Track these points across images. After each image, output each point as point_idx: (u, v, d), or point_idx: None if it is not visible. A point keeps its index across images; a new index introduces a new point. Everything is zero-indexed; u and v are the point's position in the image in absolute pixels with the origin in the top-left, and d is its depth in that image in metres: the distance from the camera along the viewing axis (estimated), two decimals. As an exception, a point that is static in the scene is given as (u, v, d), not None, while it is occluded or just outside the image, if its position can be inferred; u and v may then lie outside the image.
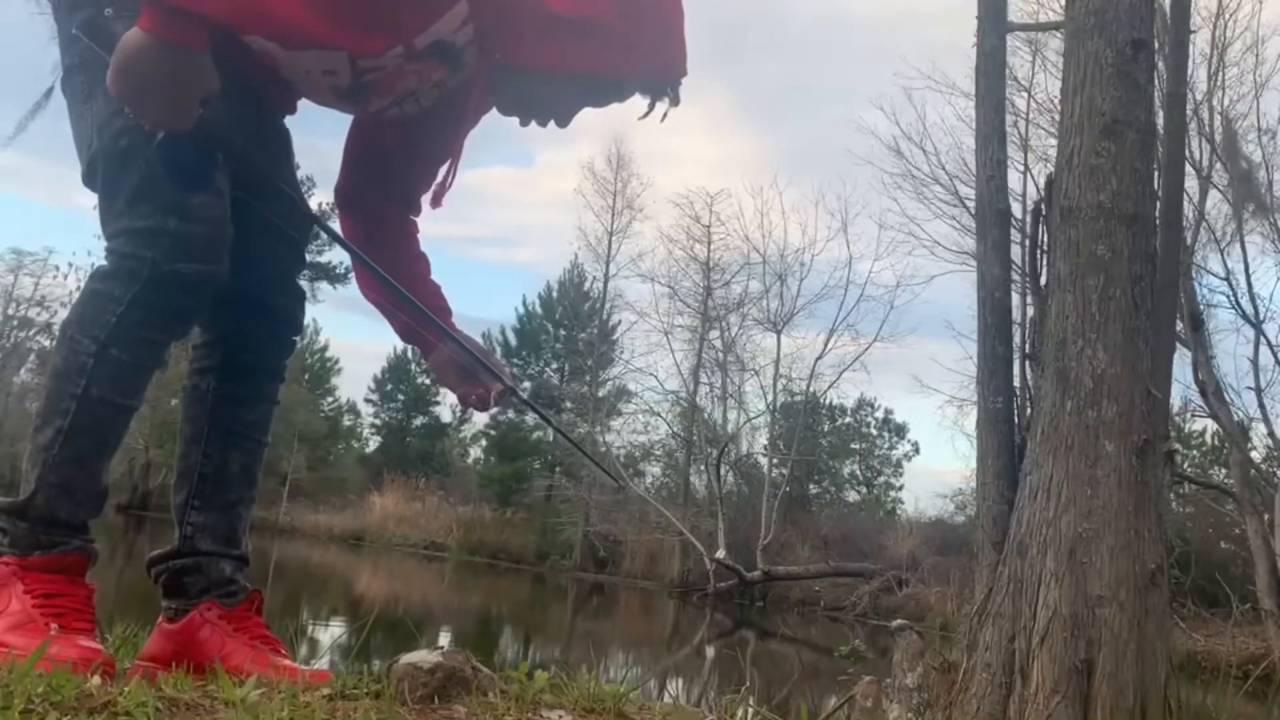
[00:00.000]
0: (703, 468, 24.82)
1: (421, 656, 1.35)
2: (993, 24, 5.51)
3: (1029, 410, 4.65)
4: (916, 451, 31.83)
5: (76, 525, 1.53)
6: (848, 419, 31.42)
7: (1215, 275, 14.35)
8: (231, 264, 1.60)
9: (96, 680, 1.26)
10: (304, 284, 1.86)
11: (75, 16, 1.57)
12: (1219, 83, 14.04)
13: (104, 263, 1.55)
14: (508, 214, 52.37)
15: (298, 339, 1.83)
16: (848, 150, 44.16)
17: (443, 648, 1.40)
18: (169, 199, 1.51)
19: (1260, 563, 12.62)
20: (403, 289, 1.74)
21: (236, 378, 1.73)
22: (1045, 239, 4.67)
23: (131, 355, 1.52)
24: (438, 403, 37.98)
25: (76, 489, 1.51)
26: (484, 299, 49.63)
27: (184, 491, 1.72)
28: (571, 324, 31.97)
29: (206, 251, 1.53)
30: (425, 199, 1.84)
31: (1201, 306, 13.56)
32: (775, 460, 24.36)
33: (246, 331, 1.74)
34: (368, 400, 38.54)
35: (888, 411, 31.69)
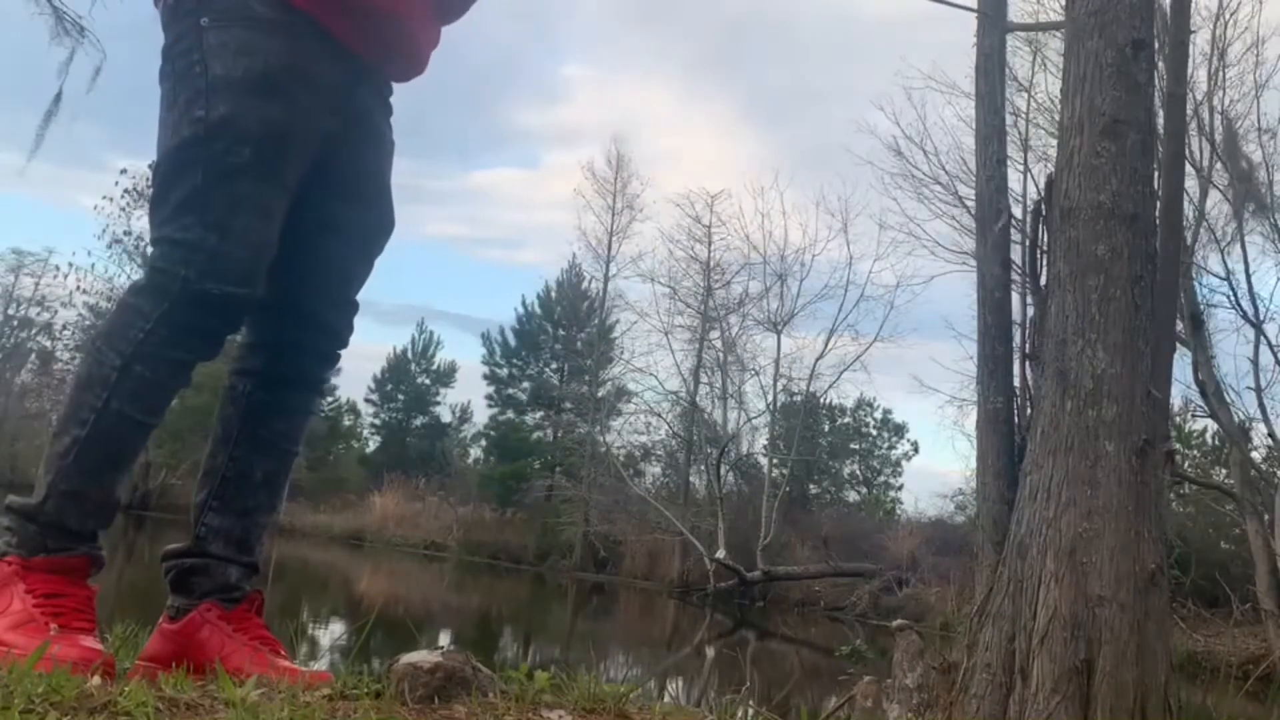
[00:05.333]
0: (703, 468, 24.81)
1: (421, 656, 1.35)
2: (993, 24, 5.51)
3: (1029, 410, 4.64)
4: (916, 451, 31.81)
5: (85, 534, 1.53)
6: (847, 419, 31.38)
7: (1215, 275, 14.33)
8: (285, 272, 1.60)
9: (96, 680, 1.26)
10: None
11: (176, 24, 1.58)
12: (1219, 83, 14.02)
13: (140, 276, 1.56)
14: (513, 215, 52.24)
15: (342, 352, 1.80)
16: (848, 150, 44.08)
17: (443, 648, 1.40)
18: (214, 215, 1.50)
19: (1260, 563, 12.61)
20: None
21: (274, 385, 1.72)
22: (1045, 239, 4.67)
23: (155, 373, 1.53)
24: (438, 403, 37.96)
25: (86, 499, 1.51)
26: (489, 300, 49.49)
27: (205, 491, 1.71)
28: (570, 324, 31.93)
29: (241, 275, 1.52)
30: None
31: (1201, 306, 13.54)
32: (775, 460, 24.36)
33: (290, 341, 1.72)
34: (368, 400, 38.49)
35: (887, 411, 31.67)
